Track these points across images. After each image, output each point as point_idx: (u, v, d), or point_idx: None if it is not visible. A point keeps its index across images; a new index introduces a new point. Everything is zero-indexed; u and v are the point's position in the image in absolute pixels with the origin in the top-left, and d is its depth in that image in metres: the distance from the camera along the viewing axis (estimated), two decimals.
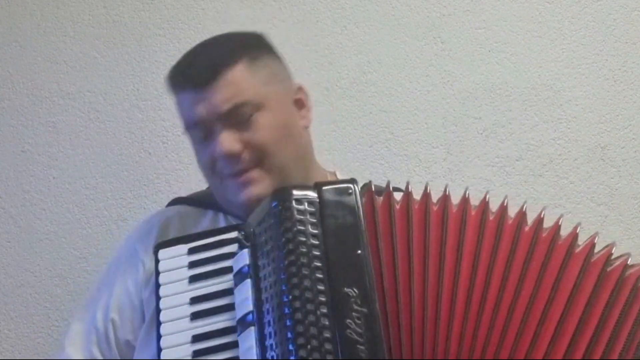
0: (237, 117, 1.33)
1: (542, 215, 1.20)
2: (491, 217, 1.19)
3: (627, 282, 1.17)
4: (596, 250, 1.19)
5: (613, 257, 1.19)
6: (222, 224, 1.43)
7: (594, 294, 1.15)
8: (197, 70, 1.35)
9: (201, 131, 1.36)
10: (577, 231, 1.19)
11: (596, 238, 1.19)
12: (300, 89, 1.44)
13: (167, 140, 1.92)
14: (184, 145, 1.91)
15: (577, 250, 1.18)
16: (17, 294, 1.89)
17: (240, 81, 1.34)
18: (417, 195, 1.22)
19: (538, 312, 1.15)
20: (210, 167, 1.37)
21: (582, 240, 1.20)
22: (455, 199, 1.22)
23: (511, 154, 1.91)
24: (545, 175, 1.91)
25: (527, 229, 1.19)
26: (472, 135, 1.92)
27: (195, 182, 1.81)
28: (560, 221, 1.19)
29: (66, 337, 1.44)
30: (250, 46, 1.39)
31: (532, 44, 1.94)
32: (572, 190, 1.90)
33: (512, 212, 1.22)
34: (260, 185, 1.34)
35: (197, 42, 1.94)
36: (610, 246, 1.19)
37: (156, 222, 1.46)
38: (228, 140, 1.33)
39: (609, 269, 1.17)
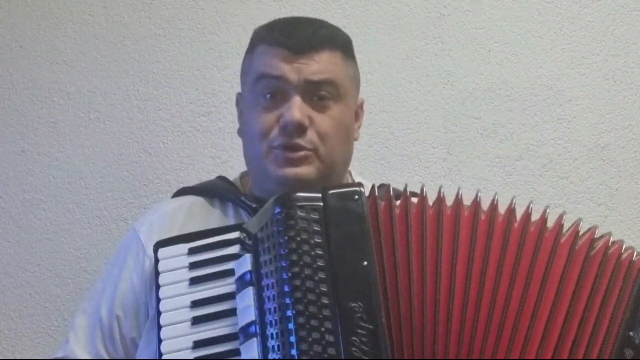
0: (318, 94, 1.32)
1: (529, 210, 1.19)
2: (482, 217, 1.18)
3: (609, 261, 1.17)
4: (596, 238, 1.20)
5: (598, 239, 1.20)
6: (230, 214, 1.40)
7: (580, 280, 1.15)
8: (303, 36, 1.34)
9: (275, 88, 1.33)
10: (563, 221, 1.19)
11: (580, 225, 1.19)
12: (362, 103, 1.45)
13: (167, 140, 1.92)
14: (184, 145, 1.91)
15: (563, 240, 1.18)
16: (17, 294, 1.89)
17: (336, 64, 1.34)
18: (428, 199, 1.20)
19: (530, 306, 1.14)
20: (263, 132, 1.33)
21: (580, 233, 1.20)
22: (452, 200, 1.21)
23: (511, 154, 1.91)
24: (545, 175, 1.91)
25: (516, 225, 1.18)
26: (472, 135, 1.92)
27: (195, 182, 1.81)
28: (547, 214, 1.19)
29: (70, 330, 1.42)
30: (347, 44, 1.40)
31: (532, 44, 1.94)
32: (572, 190, 1.90)
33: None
34: (308, 168, 1.32)
35: (197, 42, 1.95)
36: (592, 230, 1.19)
37: (163, 212, 1.43)
38: (303, 111, 1.30)
39: (592, 253, 1.17)
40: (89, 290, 1.48)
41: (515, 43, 1.94)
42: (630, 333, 1.14)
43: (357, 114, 1.44)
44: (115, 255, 1.46)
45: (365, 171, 1.88)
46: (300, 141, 1.31)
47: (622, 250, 1.19)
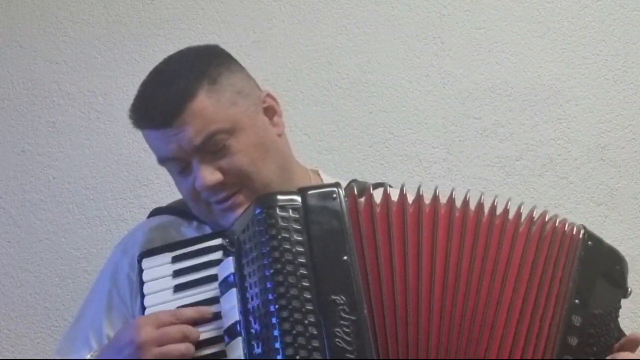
0: (212, 147, 1.28)
1: (495, 204, 1.24)
2: (457, 213, 1.22)
3: (556, 240, 1.24)
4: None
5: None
6: (207, 230, 1.40)
7: (535, 260, 1.23)
8: (159, 110, 1.29)
9: (177, 165, 1.32)
10: (521, 211, 1.25)
11: (534, 211, 1.26)
12: (268, 95, 1.38)
13: None
14: None
15: (521, 228, 1.24)
16: (17, 294, 1.89)
17: (206, 110, 1.28)
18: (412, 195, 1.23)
19: (497, 291, 1.20)
20: (193, 197, 1.33)
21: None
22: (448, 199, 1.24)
23: (511, 154, 1.91)
24: (545, 175, 1.91)
25: (484, 219, 1.23)
26: (472, 135, 1.92)
27: None
28: (508, 205, 1.25)
29: (56, 355, 1.42)
30: (208, 67, 1.32)
31: (532, 44, 1.94)
32: (572, 190, 1.90)
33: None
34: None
35: (197, 42, 1.94)
36: (543, 214, 1.26)
37: (142, 232, 1.44)
38: (208, 173, 1.28)
39: (544, 235, 1.24)
40: (73, 317, 1.48)
41: (515, 43, 1.94)
42: (576, 301, 1.21)
43: (269, 108, 1.37)
44: (97, 279, 1.48)
45: (365, 171, 1.88)
46: (225, 191, 1.30)
47: (566, 227, 1.26)
